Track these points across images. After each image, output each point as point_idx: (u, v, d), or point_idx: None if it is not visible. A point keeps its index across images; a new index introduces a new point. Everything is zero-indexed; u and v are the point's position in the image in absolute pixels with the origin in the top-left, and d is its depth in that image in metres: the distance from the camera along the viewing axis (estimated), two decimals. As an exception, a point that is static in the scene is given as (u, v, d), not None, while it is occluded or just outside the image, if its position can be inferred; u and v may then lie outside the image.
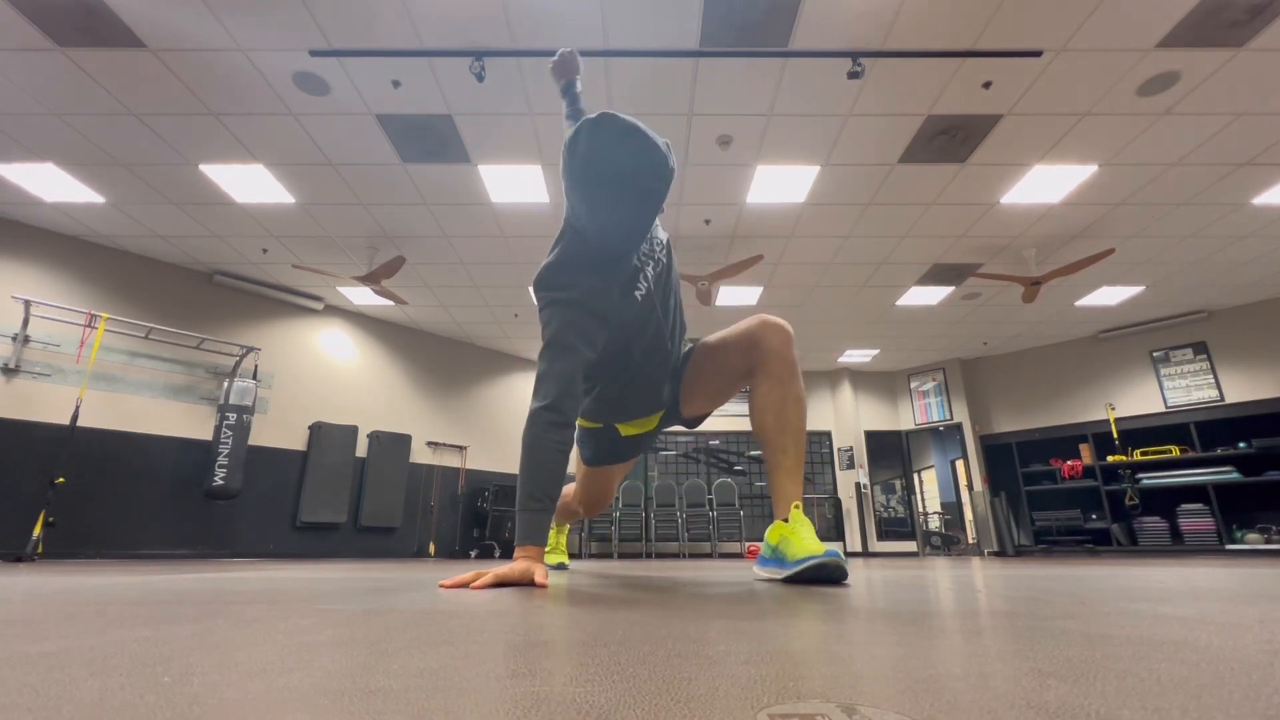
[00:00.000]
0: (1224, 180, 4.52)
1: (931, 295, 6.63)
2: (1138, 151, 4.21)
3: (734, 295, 6.66)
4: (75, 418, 4.72)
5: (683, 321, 1.74)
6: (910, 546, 8.86)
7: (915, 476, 9.60)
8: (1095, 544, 7.51)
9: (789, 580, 1.40)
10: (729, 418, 8.85)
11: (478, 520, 7.63)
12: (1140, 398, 7.47)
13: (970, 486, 8.61)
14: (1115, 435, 7.50)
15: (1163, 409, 7.28)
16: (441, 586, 1.29)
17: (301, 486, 6.23)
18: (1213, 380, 6.96)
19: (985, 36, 3.30)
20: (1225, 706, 0.32)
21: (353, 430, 6.63)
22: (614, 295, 1.49)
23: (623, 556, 7.69)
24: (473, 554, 7.48)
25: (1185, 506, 6.90)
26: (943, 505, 11.07)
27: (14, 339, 4.86)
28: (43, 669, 0.43)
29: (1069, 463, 7.84)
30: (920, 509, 9.65)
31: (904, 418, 9.39)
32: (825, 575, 1.36)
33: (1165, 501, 7.11)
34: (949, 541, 9.43)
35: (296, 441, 6.34)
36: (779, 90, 3.70)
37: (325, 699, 0.34)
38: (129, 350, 5.44)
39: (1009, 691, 0.36)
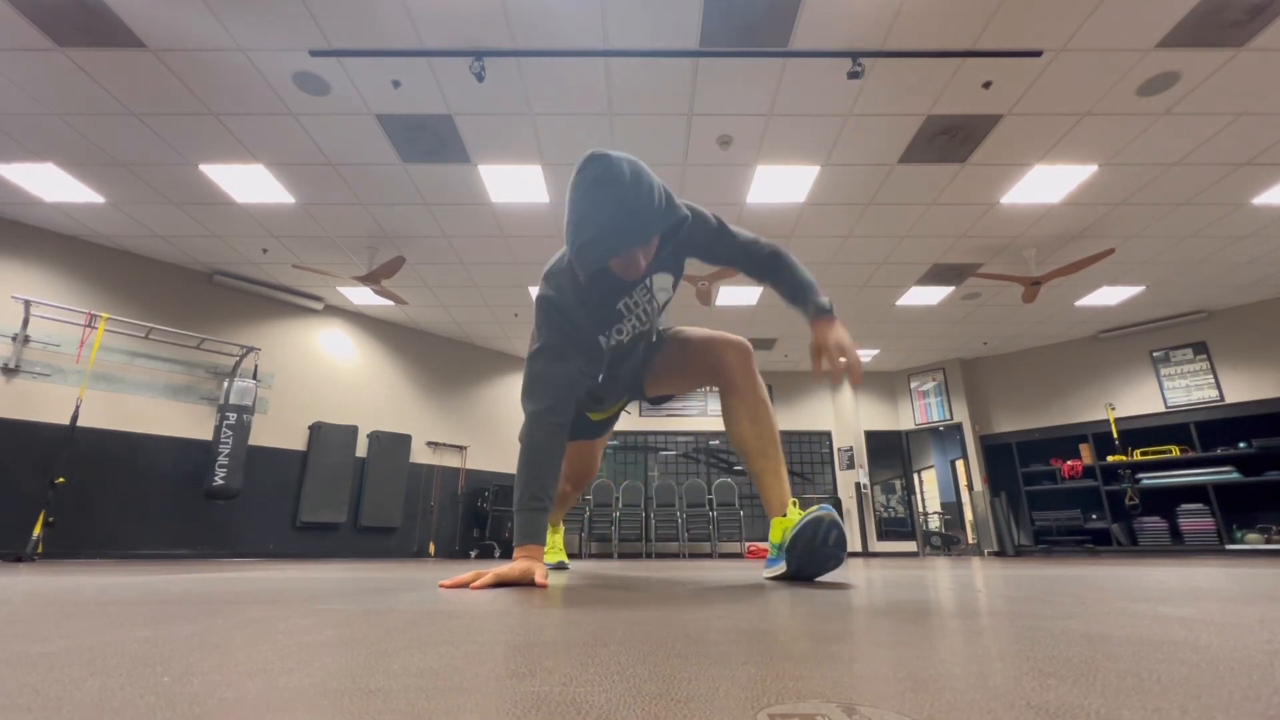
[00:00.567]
0: (1224, 180, 4.52)
1: (931, 295, 6.63)
2: (1138, 151, 4.21)
3: (734, 295, 6.66)
4: (75, 418, 4.72)
5: (656, 327, 1.75)
6: (910, 547, 8.86)
7: (915, 476, 9.60)
8: (1095, 544, 7.51)
9: (794, 545, 1.40)
10: (729, 418, 8.83)
11: (478, 520, 7.63)
12: (1140, 398, 7.47)
13: (970, 486, 8.61)
14: (1115, 435, 7.50)
15: (1163, 409, 7.28)
16: (441, 586, 1.29)
17: (301, 486, 6.23)
18: (1213, 380, 6.96)
19: (985, 36, 3.30)
20: (1225, 706, 0.32)
21: (353, 430, 6.63)
22: (594, 332, 1.53)
23: (623, 556, 7.69)
24: (473, 554, 7.48)
25: (1185, 506, 6.90)
26: (943, 505, 11.07)
27: (14, 339, 4.86)
28: (43, 669, 0.43)
29: (1069, 463, 7.83)
30: (920, 509, 9.65)
31: (904, 418, 9.39)
32: (823, 535, 1.37)
33: (1165, 501, 7.10)
34: (949, 542, 9.43)
35: (296, 441, 6.34)
36: (779, 90, 3.70)
37: (325, 699, 0.34)
38: (129, 350, 5.44)
39: (1009, 691, 0.36)
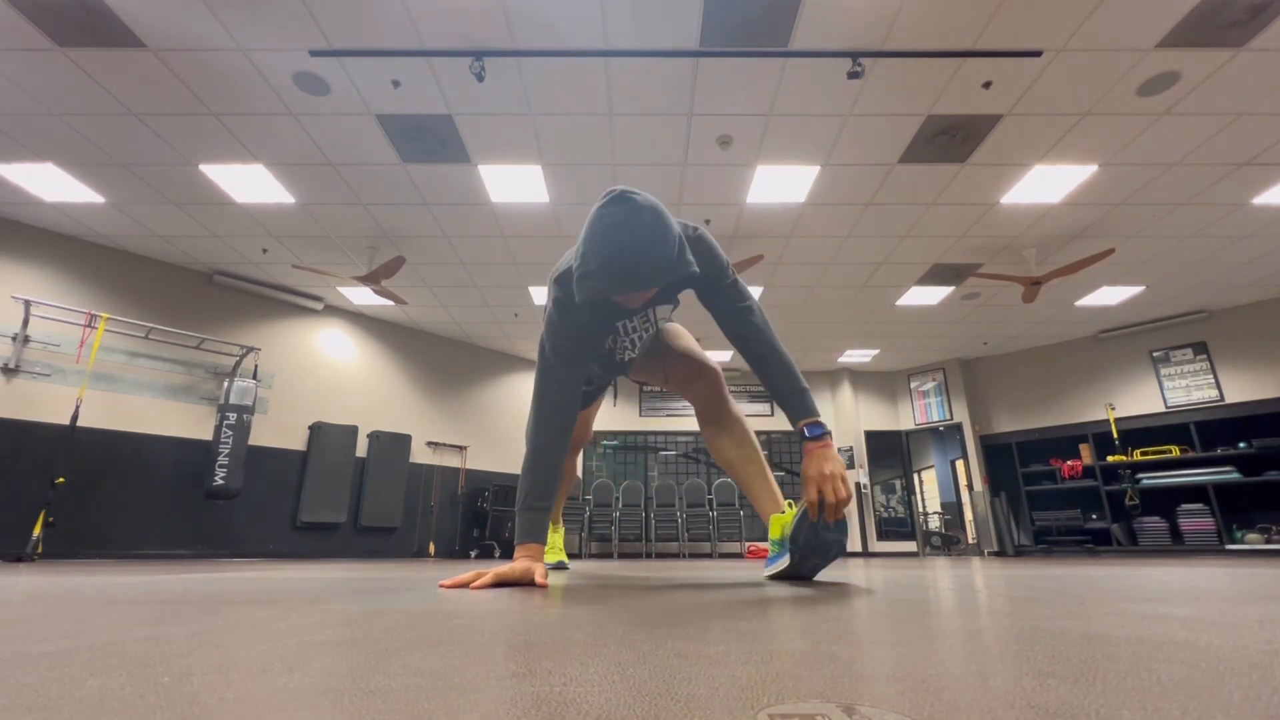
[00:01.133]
0: (1224, 180, 4.52)
1: (931, 295, 6.63)
2: (1138, 151, 4.21)
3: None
4: (75, 418, 4.72)
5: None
6: (910, 546, 8.86)
7: (915, 476, 9.60)
8: (1095, 544, 7.51)
9: (797, 533, 1.44)
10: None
11: (478, 520, 7.63)
12: (1140, 398, 7.47)
13: (970, 486, 8.61)
14: (1115, 435, 7.50)
15: (1163, 409, 7.27)
16: (441, 586, 1.29)
17: (301, 486, 6.23)
18: (1213, 380, 6.96)
19: (985, 36, 3.30)
20: (1225, 707, 0.32)
21: (353, 430, 6.63)
22: (599, 337, 1.60)
23: (623, 556, 7.69)
24: (473, 554, 7.48)
25: (1185, 506, 6.90)
26: (943, 505, 11.06)
27: (14, 339, 4.86)
28: (43, 669, 0.43)
29: (1069, 463, 7.83)
30: (920, 509, 9.65)
31: (904, 418, 9.39)
32: (823, 520, 1.41)
33: (1165, 501, 7.10)
34: (949, 541, 9.43)
35: (296, 441, 6.34)
36: (779, 90, 3.70)
37: (325, 699, 0.35)
38: (129, 350, 5.44)
39: (1009, 691, 0.36)
